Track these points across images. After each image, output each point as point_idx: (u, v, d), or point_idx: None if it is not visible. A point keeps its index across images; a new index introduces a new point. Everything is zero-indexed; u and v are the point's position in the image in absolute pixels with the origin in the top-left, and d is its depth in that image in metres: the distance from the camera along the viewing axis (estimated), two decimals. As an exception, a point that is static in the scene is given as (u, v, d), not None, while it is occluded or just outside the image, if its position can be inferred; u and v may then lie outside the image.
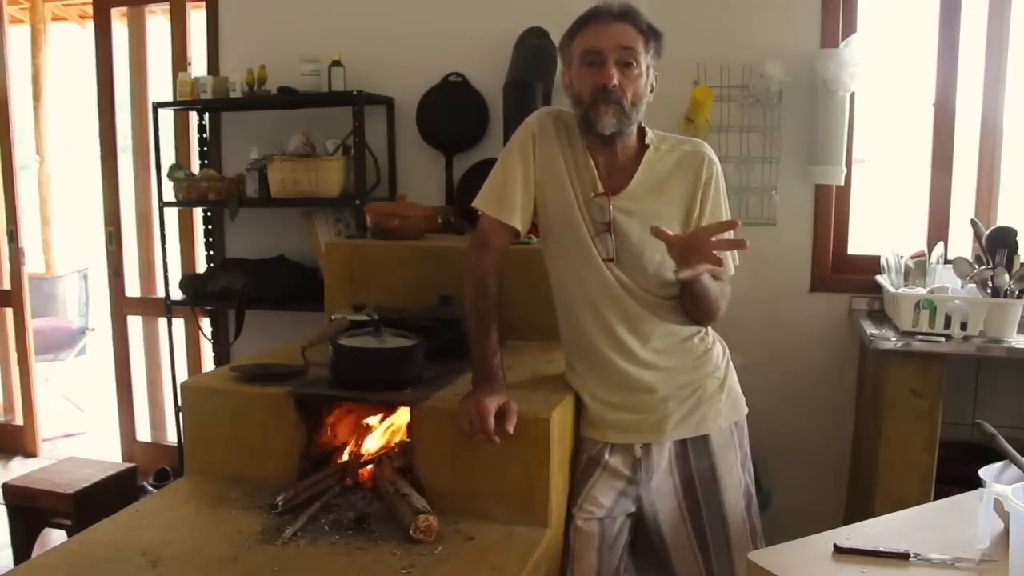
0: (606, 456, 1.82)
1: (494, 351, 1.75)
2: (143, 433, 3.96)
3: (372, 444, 1.95)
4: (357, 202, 2.95)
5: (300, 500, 1.72)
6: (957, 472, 2.04)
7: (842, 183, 2.72)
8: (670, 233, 1.60)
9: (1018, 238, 2.37)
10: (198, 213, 3.57)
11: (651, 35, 1.68)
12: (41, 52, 4.53)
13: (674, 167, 1.76)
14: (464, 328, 1.82)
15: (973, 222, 2.50)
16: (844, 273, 2.83)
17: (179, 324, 3.60)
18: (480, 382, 1.72)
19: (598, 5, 1.69)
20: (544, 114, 1.83)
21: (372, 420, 1.97)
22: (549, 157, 1.77)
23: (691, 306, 1.75)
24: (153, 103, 3.21)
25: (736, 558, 1.82)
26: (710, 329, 1.88)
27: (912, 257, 2.55)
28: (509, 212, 1.76)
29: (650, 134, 1.77)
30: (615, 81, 1.63)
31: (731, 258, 1.78)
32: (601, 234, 1.74)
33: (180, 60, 3.58)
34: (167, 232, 3.26)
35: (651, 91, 1.72)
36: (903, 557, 1.30)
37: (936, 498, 1.93)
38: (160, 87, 3.71)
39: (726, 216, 1.78)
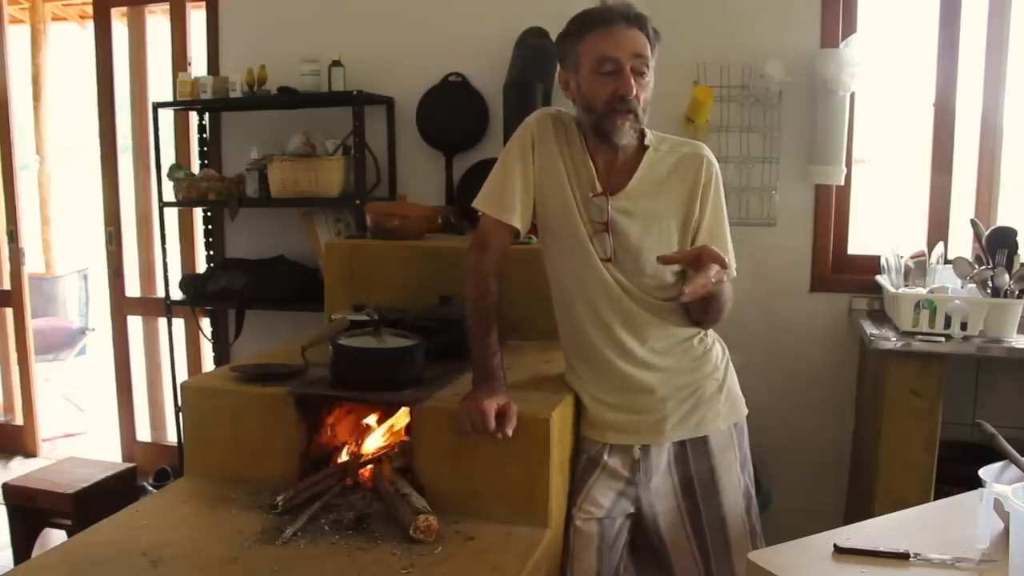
0: (605, 457, 1.82)
1: (494, 351, 1.75)
2: (143, 433, 3.96)
3: (372, 444, 1.95)
4: (357, 202, 2.95)
5: (300, 500, 1.72)
6: (957, 472, 2.04)
7: (842, 183, 2.72)
8: (677, 255, 1.61)
9: (1018, 238, 2.37)
10: (198, 213, 3.57)
11: (655, 40, 1.68)
12: (41, 52, 4.53)
13: (673, 168, 1.75)
14: (464, 328, 1.82)
15: (973, 222, 2.50)
16: (844, 273, 2.83)
17: (179, 324, 3.60)
18: (480, 382, 1.72)
19: (609, 7, 1.67)
20: (543, 114, 1.83)
21: (372, 420, 1.97)
22: (548, 157, 1.77)
23: (700, 310, 1.75)
24: (153, 103, 3.21)
25: (736, 559, 1.82)
26: (710, 330, 1.88)
27: (912, 257, 2.55)
28: (509, 212, 1.77)
29: (649, 135, 1.77)
30: (635, 91, 1.63)
31: (733, 260, 1.79)
32: (599, 234, 1.74)
33: (180, 60, 3.58)
34: (167, 232, 3.26)
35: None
36: (903, 557, 1.30)
37: (936, 498, 1.93)
38: (160, 87, 3.71)
39: (724, 218, 1.79)
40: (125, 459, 3.88)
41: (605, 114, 1.66)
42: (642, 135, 1.77)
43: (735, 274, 1.79)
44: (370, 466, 1.88)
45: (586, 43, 1.67)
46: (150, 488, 3.30)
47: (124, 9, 3.74)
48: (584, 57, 1.67)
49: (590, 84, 1.67)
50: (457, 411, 1.69)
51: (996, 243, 2.36)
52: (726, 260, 1.63)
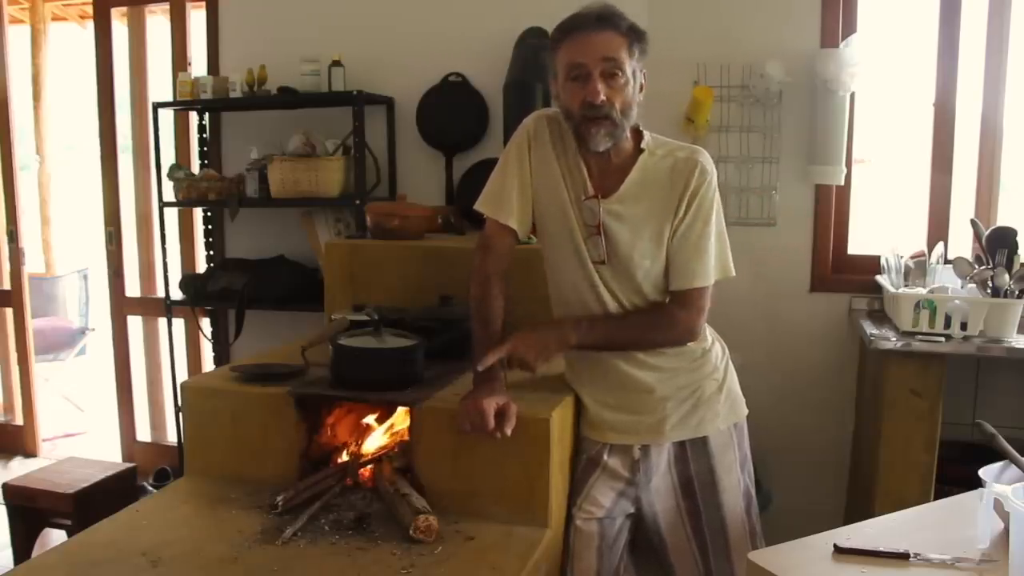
0: (605, 457, 1.82)
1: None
2: (143, 433, 3.96)
3: (372, 444, 1.95)
4: (357, 202, 2.95)
5: (300, 500, 1.72)
6: (957, 472, 2.04)
7: (842, 183, 2.72)
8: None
9: (1018, 238, 2.37)
10: (198, 213, 3.57)
11: (634, 37, 1.64)
12: (41, 52, 4.53)
13: (667, 172, 1.72)
14: (466, 328, 1.82)
15: (973, 222, 2.50)
16: (844, 273, 2.83)
17: (179, 324, 3.60)
18: (480, 382, 1.71)
19: (578, 13, 1.65)
20: (539, 116, 1.82)
21: (372, 420, 1.97)
22: (543, 160, 1.78)
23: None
24: (153, 103, 3.21)
25: (735, 559, 1.82)
26: (709, 330, 1.88)
27: (912, 257, 2.55)
28: (506, 213, 1.77)
29: (647, 137, 1.75)
30: (602, 97, 1.61)
31: (694, 271, 1.72)
32: (592, 236, 1.73)
33: (180, 60, 3.58)
34: (167, 232, 3.26)
35: (641, 91, 1.70)
36: (903, 557, 1.30)
37: (936, 498, 1.93)
38: (160, 87, 3.72)
39: (710, 226, 1.71)
40: (125, 459, 3.88)
41: (580, 122, 1.65)
42: (639, 137, 1.76)
43: (696, 285, 1.72)
44: (370, 466, 1.88)
45: (560, 52, 1.66)
46: (150, 488, 3.30)
47: (124, 9, 3.74)
48: (559, 66, 1.67)
49: (565, 92, 1.67)
50: (457, 410, 1.69)
51: (996, 243, 2.36)
52: (683, 274, 1.70)
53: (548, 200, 1.77)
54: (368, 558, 1.54)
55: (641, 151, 1.74)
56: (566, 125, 1.75)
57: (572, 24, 1.64)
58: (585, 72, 1.62)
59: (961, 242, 2.73)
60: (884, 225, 3.10)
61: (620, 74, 1.62)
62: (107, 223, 3.80)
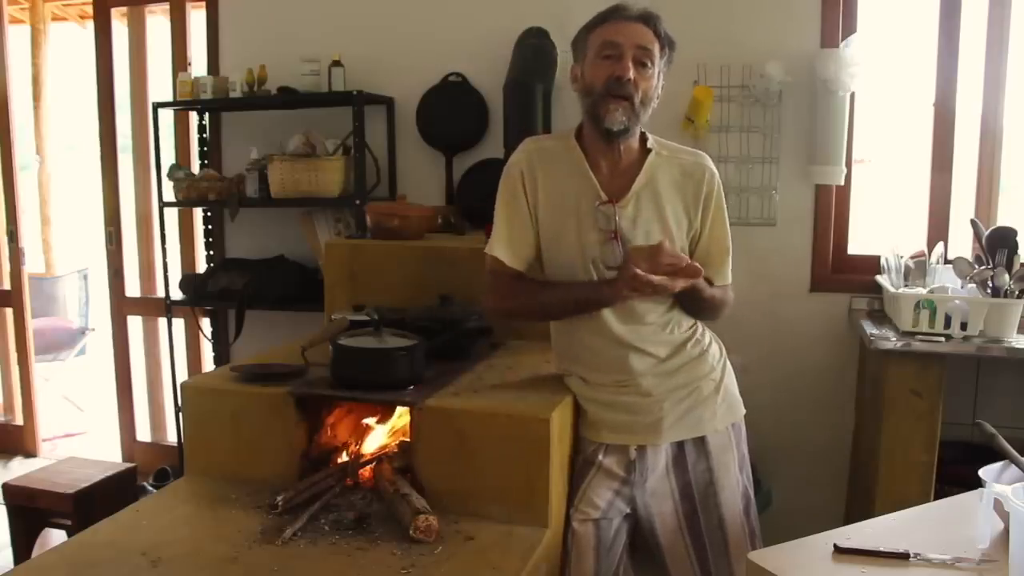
0: (600, 456, 1.82)
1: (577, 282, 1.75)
2: (143, 433, 3.96)
3: (372, 444, 1.95)
4: (357, 202, 2.95)
5: (300, 500, 1.72)
6: (957, 472, 2.04)
7: (842, 183, 2.72)
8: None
9: (1018, 238, 2.37)
10: (198, 213, 3.57)
11: (667, 43, 1.70)
12: (41, 52, 4.54)
13: (677, 175, 1.75)
14: (467, 328, 1.87)
15: (973, 222, 2.49)
16: (844, 273, 2.83)
17: (179, 324, 3.60)
18: (599, 286, 1.71)
19: (620, 3, 1.71)
20: (523, 149, 1.83)
21: (372, 420, 1.97)
22: (542, 184, 1.78)
23: (687, 304, 1.79)
24: (153, 103, 3.22)
25: (734, 561, 1.82)
26: (707, 331, 1.88)
27: (912, 257, 2.55)
28: (503, 252, 1.78)
29: (651, 140, 1.78)
30: (631, 74, 1.64)
31: (728, 267, 1.82)
32: (608, 242, 1.73)
33: (180, 60, 3.58)
34: (167, 232, 3.26)
35: (657, 97, 1.73)
36: (903, 557, 1.30)
37: (936, 498, 1.93)
38: (160, 87, 3.72)
39: (726, 228, 1.81)
40: (125, 459, 3.88)
41: (600, 96, 1.67)
42: (644, 139, 1.77)
43: (730, 280, 1.83)
44: (370, 466, 1.88)
45: (595, 33, 1.70)
46: (150, 488, 3.30)
47: (124, 9, 3.74)
48: (591, 45, 1.70)
49: (592, 69, 1.69)
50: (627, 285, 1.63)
51: (996, 243, 2.36)
52: (721, 273, 1.79)
53: (555, 218, 1.77)
54: (368, 558, 1.54)
55: (648, 151, 1.75)
56: (564, 139, 1.78)
57: (615, 11, 1.70)
58: (619, 52, 1.65)
59: (961, 242, 2.73)
60: (884, 225, 3.10)
61: (650, 65, 1.67)
62: (107, 223, 3.80)
